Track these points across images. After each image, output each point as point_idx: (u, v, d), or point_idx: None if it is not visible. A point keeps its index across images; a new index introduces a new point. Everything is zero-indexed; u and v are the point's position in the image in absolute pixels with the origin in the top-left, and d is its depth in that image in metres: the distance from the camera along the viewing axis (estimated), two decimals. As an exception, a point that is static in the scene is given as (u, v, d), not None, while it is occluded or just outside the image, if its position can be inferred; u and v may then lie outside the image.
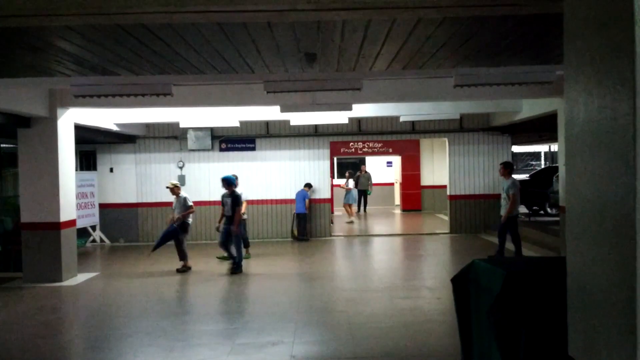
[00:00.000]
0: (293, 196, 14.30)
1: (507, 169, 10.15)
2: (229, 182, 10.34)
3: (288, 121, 13.30)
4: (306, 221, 14.07)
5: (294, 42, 4.77)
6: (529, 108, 11.68)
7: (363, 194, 20.57)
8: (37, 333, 6.67)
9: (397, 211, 20.90)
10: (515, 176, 10.29)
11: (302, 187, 14.05)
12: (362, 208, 20.81)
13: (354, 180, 19.56)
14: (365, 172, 20.50)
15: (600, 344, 2.49)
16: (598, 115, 2.50)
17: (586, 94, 2.62)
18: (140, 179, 14.45)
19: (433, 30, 4.52)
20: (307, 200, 13.92)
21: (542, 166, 30.60)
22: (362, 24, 4.28)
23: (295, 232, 14.19)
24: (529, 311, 3.26)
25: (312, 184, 14.30)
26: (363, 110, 12.09)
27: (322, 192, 14.51)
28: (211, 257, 11.39)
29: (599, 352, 2.50)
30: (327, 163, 14.62)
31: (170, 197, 14.18)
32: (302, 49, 5.06)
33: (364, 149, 18.61)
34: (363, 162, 22.49)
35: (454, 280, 4.20)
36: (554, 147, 29.15)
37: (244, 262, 10.25)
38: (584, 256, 2.64)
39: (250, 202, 14.38)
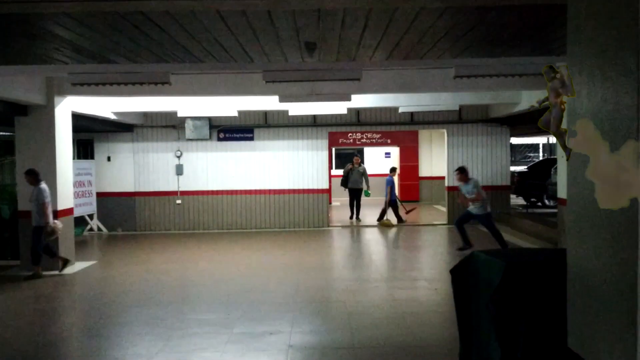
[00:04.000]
0: (291, 186, 14.37)
1: (463, 173, 10.38)
2: None
3: (286, 111, 13.26)
4: (393, 206, 14.69)
5: (293, 30, 4.74)
6: (528, 100, 11.64)
7: (356, 194, 15.55)
8: (35, 321, 6.66)
9: (395, 202, 20.88)
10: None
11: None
12: (354, 214, 15.72)
13: (343, 175, 15.73)
14: (360, 164, 15.78)
15: (599, 336, 2.50)
16: (601, 107, 2.49)
17: (589, 85, 2.60)
18: (137, 168, 14.41)
19: (434, 21, 4.50)
20: (388, 187, 14.55)
21: (540, 158, 30.64)
22: (363, 13, 4.25)
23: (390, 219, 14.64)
24: (528, 303, 3.26)
25: (308, 174, 14.38)
26: (362, 100, 12.06)
27: (321, 182, 14.49)
28: (221, 246, 11.39)
29: (599, 344, 2.50)
30: (326, 153, 14.59)
31: (169, 186, 14.27)
32: (302, 38, 5.03)
33: (362, 140, 18.58)
34: (360, 152, 22.27)
35: (453, 272, 4.19)
36: (553, 139, 29.15)
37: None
38: (584, 249, 2.64)
39: (247, 192, 14.39)
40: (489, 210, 10.19)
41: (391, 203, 14.71)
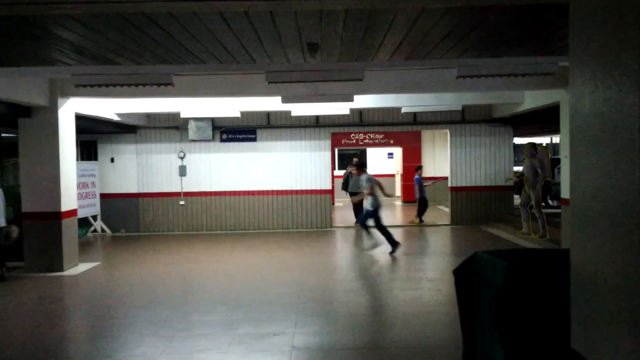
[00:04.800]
0: (294, 187, 14.38)
1: (360, 168, 11.09)
2: None
3: (289, 112, 13.27)
4: (422, 205, 14.92)
5: (296, 31, 4.74)
6: (531, 100, 11.64)
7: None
8: (39, 322, 6.68)
9: (398, 202, 20.88)
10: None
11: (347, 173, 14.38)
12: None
13: (344, 178, 14.93)
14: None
15: (603, 336, 2.49)
16: (603, 107, 2.48)
17: (591, 85, 2.60)
18: (141, 169, 14.44)
19: (436, 21, 4.49)
20: (417, 185, 14.86)
21: (544, 158, 30.49)
22: (365, 14, 4.25)
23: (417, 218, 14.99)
24: (531, 303, 3.25)
25: (311, 174, 14.41)
26: (364, 101, 12.05)
27: (323, 183, 14.48)
28: (224, 246, 11.41)
29: (602, 344, 2.50)
30: (328, 154, 14.59)
31: (172, 187, 14.29)
32: (304, 39, 5.03)
33: (365, 141, 18.56)
34: (362, 154, 22.04)
35: (456, 272, 4.18)
36: (556, 139, 29.09)
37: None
38: (587, 249, 2.63)
39: (250, 193, 14.40)
40: (378, 205, 10.53)
41: (422, 201, 14.96)
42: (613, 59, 2.40)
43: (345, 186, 14.97)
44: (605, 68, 2.46)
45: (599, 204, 2.52)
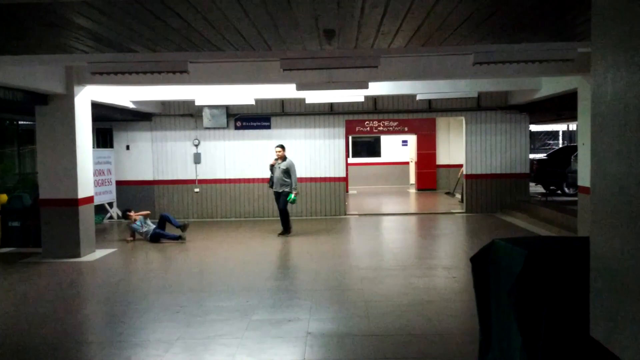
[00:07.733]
0: (308, 174, 14.37)
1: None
2: None
3: (303, 99, 13.24)
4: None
5: (312, 18, 4.71)
6: (548, 86, 11.50)
7: (277, 199, 11.46)
8: (56, 308, 6.77)
9: (412, 190, 20.83)
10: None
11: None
12: (284, 227, 11.52)
13: (270, 171, 11.47)
14: (284, 158, 11.35)
15: (623, 325, 2.47)
16: (626, 93, 2.44)
17: (614, 70, 2.55)
18: (156, 157, 14.53)
19: (455, 6, 4.43)
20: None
21: (560, 145, 30.27)
22: (382, -1, 4.21)
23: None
24: (550, 292, 3.23)
25: (325, 162, 14.40)
26: (379, 88, 11.97)
27: (337, 170, 14.48)
28: (239, 233, 11.46)
29: (622, 333, 2.47)
30: (343, 142, 14.56)
31: (187, 174, 14.36)
32: (320, 25, 5.00)
33: (379, 128, 18.49)
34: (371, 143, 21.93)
35: (473, 260, 4.16)
36: (573, 126, 28.79)
37: None
38: (609, 237, 2.60)
39: (265, 181, 14.41)
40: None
41: None
42: (636, 43, 2.35)
43: (270, 182, 11.56)
44: (629, 53, 2.42)
45: (621, 191, 2.48)
